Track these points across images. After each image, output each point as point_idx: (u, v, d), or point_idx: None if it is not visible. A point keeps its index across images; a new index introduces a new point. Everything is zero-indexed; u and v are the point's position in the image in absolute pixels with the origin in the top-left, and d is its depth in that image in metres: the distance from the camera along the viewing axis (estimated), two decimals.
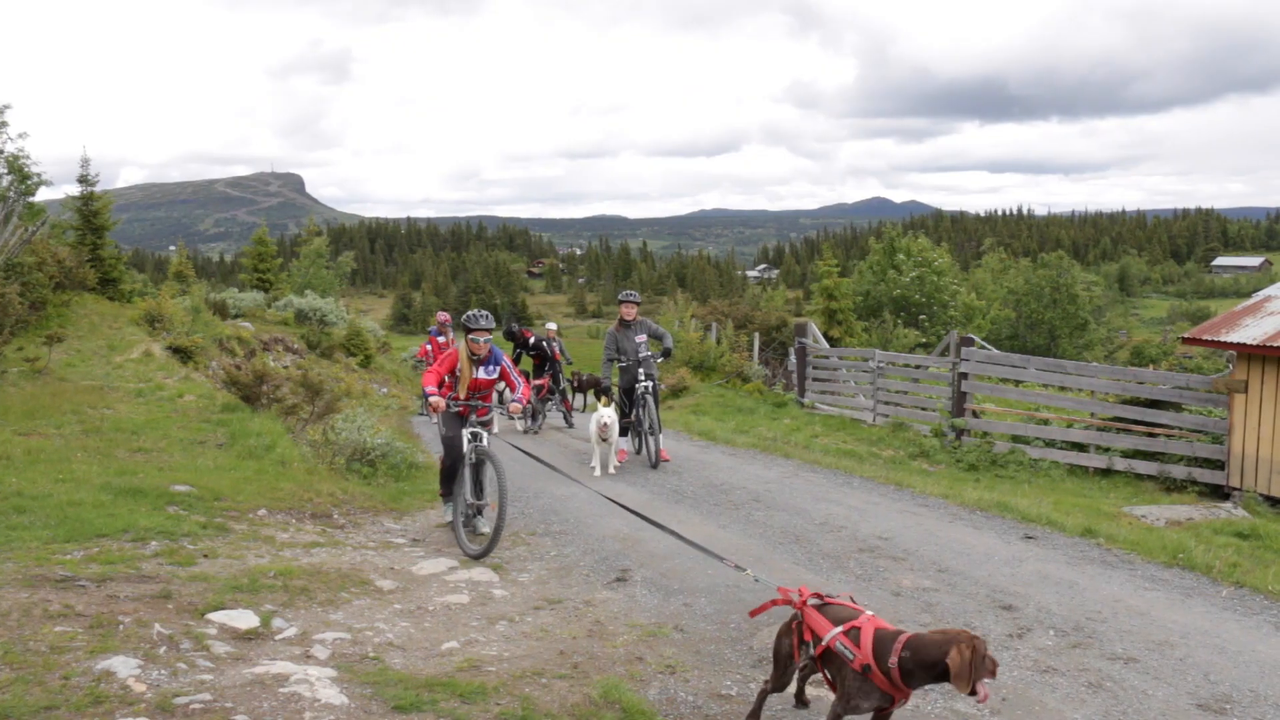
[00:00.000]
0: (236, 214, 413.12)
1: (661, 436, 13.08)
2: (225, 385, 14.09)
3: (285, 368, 20.85)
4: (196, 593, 5.93)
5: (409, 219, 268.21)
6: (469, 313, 9.11)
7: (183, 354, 16.20)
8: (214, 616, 5.57)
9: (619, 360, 13.20)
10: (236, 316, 26.60)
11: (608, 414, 12.10)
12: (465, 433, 8.82)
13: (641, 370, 13.00)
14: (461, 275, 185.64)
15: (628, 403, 13.20)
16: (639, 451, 13.22)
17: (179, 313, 19.44)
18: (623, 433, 13.09)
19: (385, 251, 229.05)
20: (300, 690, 4.57)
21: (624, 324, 13.19)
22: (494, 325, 9.36)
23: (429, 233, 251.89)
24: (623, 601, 6.78)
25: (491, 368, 9.04)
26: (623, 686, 5.07)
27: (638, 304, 13.53)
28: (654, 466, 12.63)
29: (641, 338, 13.15)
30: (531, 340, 18.32)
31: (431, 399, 8.68)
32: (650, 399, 12.96)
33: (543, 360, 18.29)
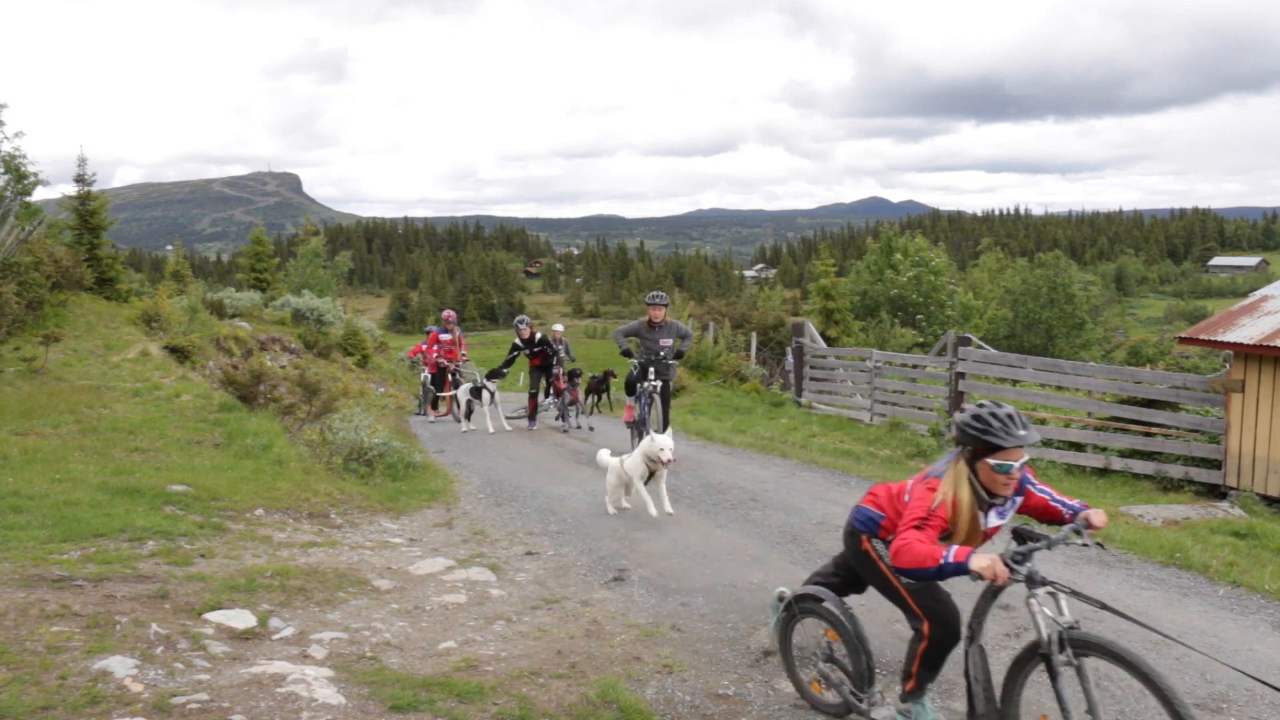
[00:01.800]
0: (233, 214, 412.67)
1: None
2: (222, 385, 14.08)
3: (282, 367, 20.84)
4: (193, 592, 5.92)
5: (406, 219, 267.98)
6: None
7: (180, 354, 16.17)
8: (211, 616, 5.56)
9: (631, 352, 12.95)
10: (233, 316, 26.56)
11: (667, 443, 9.11)
12: None
13: (653, 370, 12.74)
14: (459, 275, 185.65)
15: (630, 397, 13.13)
16: None
17: (176, 312, 19.43)
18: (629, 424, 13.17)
19: (382, 251, 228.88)
20: (297, 690, 4.56)
21: (652, 326, 12.84)
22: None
23: (426, 232, 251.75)
24: (620, 601, 6.78)
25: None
26: (620, 686, 5.06)
27: (666, 305, 13.14)
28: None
29: (667, 341, 12.84)
30: (538, 338, 18.15)
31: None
32: (659, 399, 12.78)
33: (545, 360, 18.21)
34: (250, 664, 4.91)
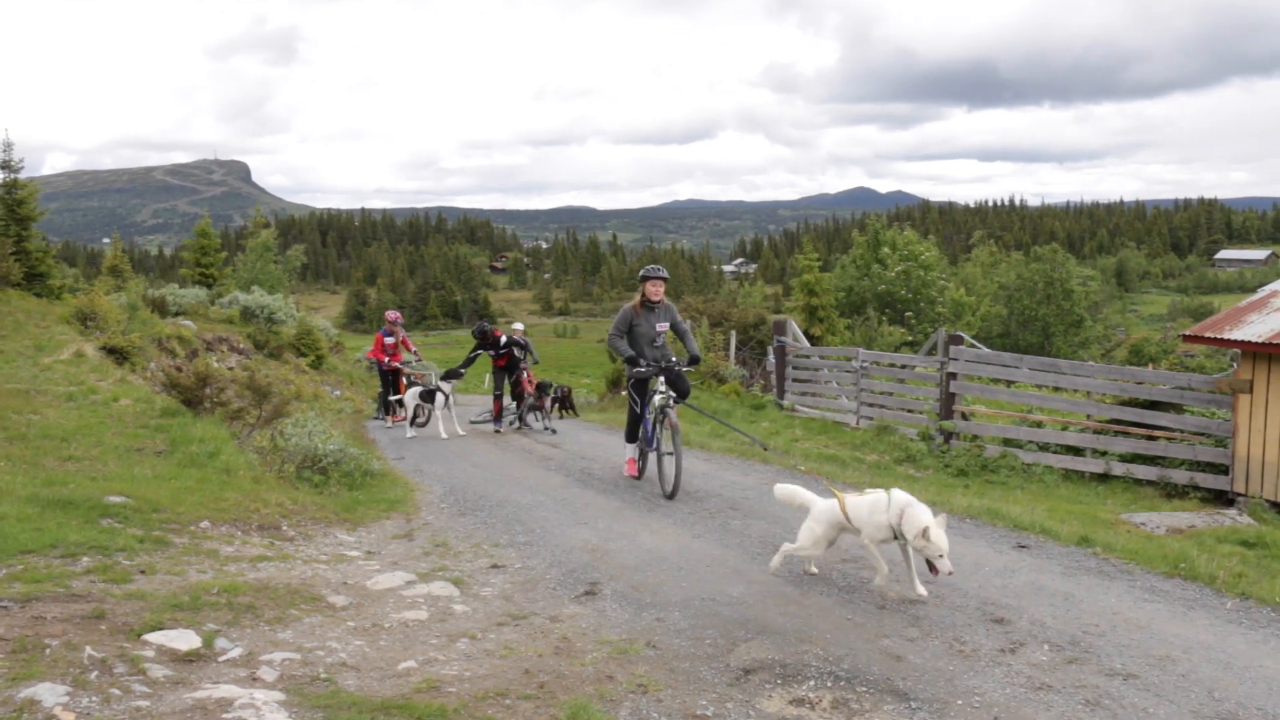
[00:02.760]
0: (177, 204, 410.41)
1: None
2: (165, 388, 13.97)
3: (230, 369, 20.74)
4: (132, 612, 5.86)
5: (363, 210, 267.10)
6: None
7: (118, 355, 16.04)
8: (151, 637, 5.50)
9: (639, 357, 11.38)
10: (177, 314, 26.39)
11: (940, 540, 6.90)
12: None
13: (664, 379, 11.26)
14: (420, 270, 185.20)
15: (639, 401, 11.58)
16: (642, 474, 12.00)
17: (114, 310, 19.27)
18: (629, 438, 11.99)
19: (338, 245, 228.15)
20: (245, 715, 4.52)
21: (647, 305, 11.48)
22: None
23: (384, 225, 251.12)
24: (592, 616, 6.75)
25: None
26: (592, 708, 5.04)
27: (665, 281, 11.72)
28: (670, 497, 10.73)
29: (663, 326, 11.48)
30: (503, 340, 18.26)
31: None
32: (673, 413, 11.05)
33: (512, 361, 18.22)
34: (194, 688, 4.86)
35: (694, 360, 11.76)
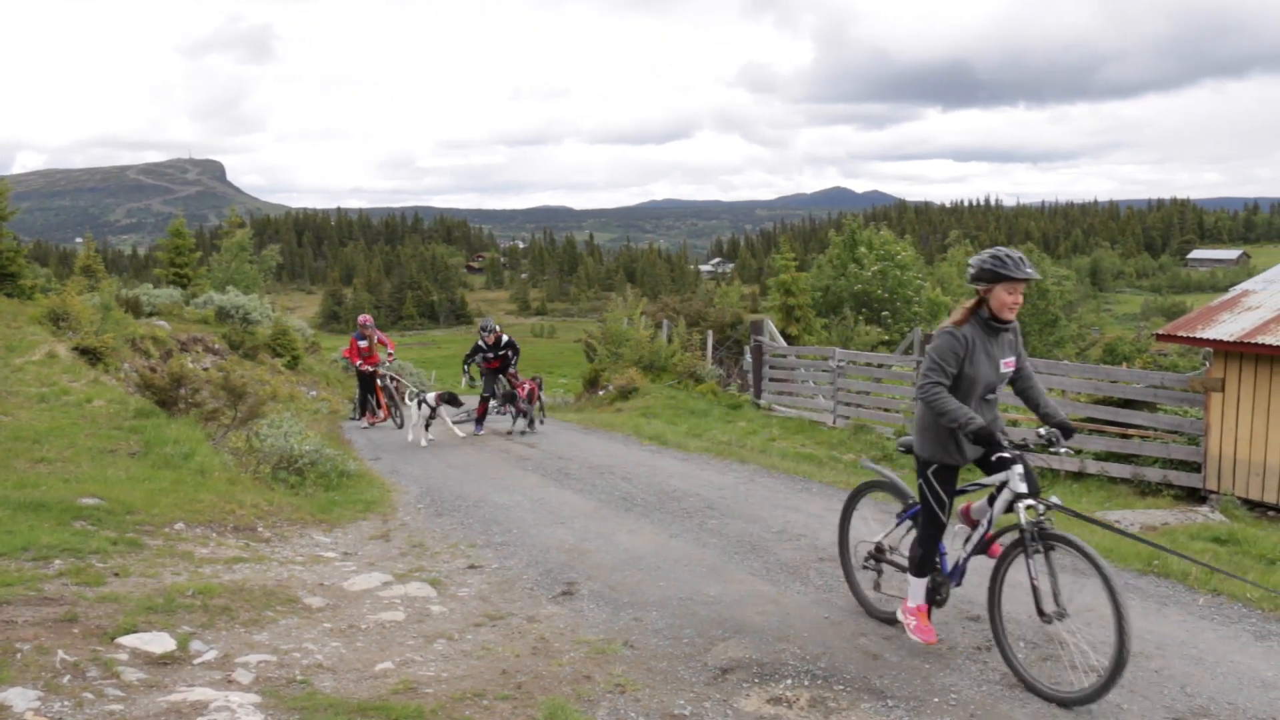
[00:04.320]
0: (150, 203, 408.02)
1: (609, 440, 12.44)
2: (139, 389, 13.87)
3: (205, 370, 20.62)
4: (106, 615, 5.82)
5: (339, 210, 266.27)
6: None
7: (91, 355, 15.92)
8: (125, 640, 5.46)
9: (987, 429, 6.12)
10: (151, 315, 26.21)
11: None
12: None
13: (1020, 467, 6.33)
14: (396, 270, 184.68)
15: (944, 501, 6.45)
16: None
17: (87, 310, 19.12)
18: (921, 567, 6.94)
19: (314, 244, 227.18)
20: (220, 718, 4.50)
21: (991, 325, 6.34)
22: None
23: (361, 224, 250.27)
24: (569, 616, 6.75)
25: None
26: (569, 708, 5.04)
27: (1028, 282, 6.32)
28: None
29: (1009, 363, 6.51)
30: (504, 341, 18.15)
31: None
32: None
33: (504, 364, 18.16)
34: (169, 691, 4.83)
35: (1065, 430, 6.50)
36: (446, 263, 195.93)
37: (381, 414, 19.70)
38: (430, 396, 16.69)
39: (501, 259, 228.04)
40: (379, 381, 20.03)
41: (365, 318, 20.70)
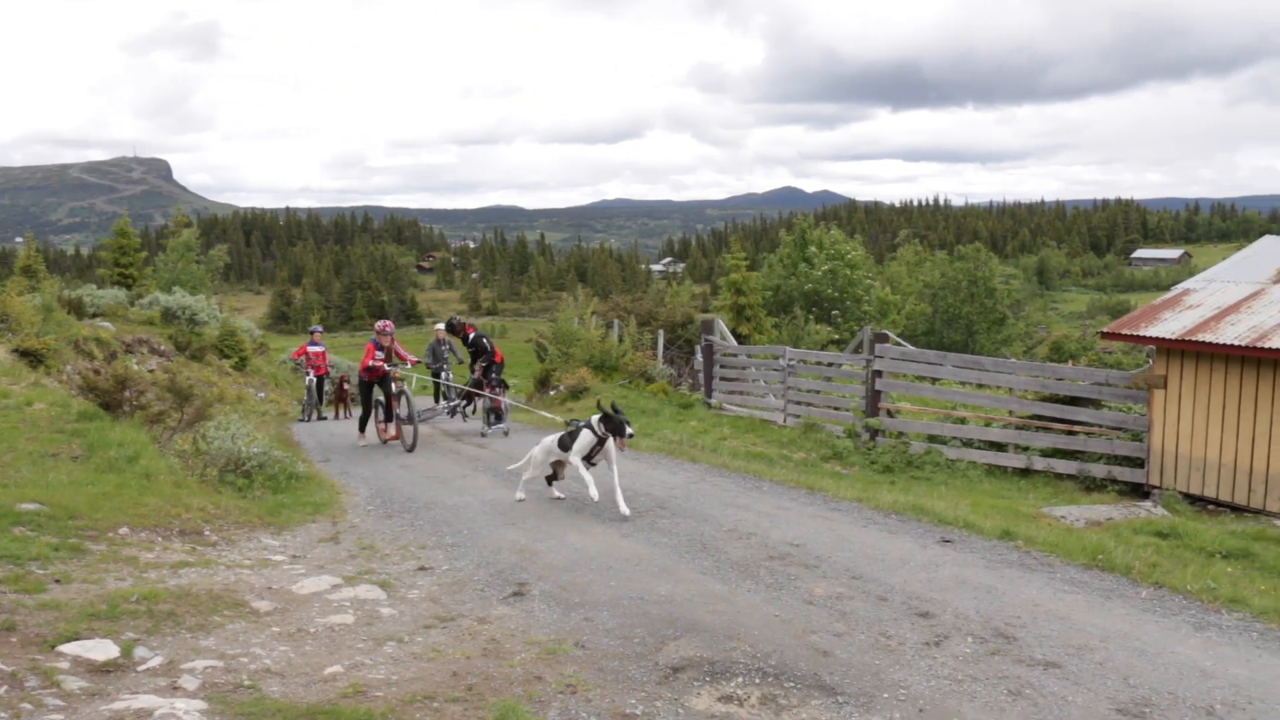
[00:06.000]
0: (94, 203, 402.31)
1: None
2: (82, 391, 13.67)
3: (151, 371, 20.37)
4: (46, 622, 5.72)
5: (288, 209, 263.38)
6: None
7: (32, 357, 15.66)
8: (66, 648, 5.37)
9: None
10: (95, 316, 25.83)
11: None
12: None
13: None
14: (346, 270, 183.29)
15: None
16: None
17: (27, 312, 18.78)
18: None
19: (262, 244, 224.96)
20: None
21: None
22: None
23: (310, 224, 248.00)
24: (520, 617, 6.73)
25: None
26: (520, 709, 5.02)
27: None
28: None
29: None
30: (471, 336, 18.29)
31: None
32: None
33: (477, 355, 18.21)
34: (112, 699, 4.75)
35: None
36: (397, 263, 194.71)
37: (393, 430, 16.77)
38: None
39: (452, 259, 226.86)
40: (392, 388, 16.87)
41: (386, 324, 17.83)
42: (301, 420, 22.04)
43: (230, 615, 6.43)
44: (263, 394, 25.79)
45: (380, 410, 16.82)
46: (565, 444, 10.52)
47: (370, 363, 16.38)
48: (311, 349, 23.84)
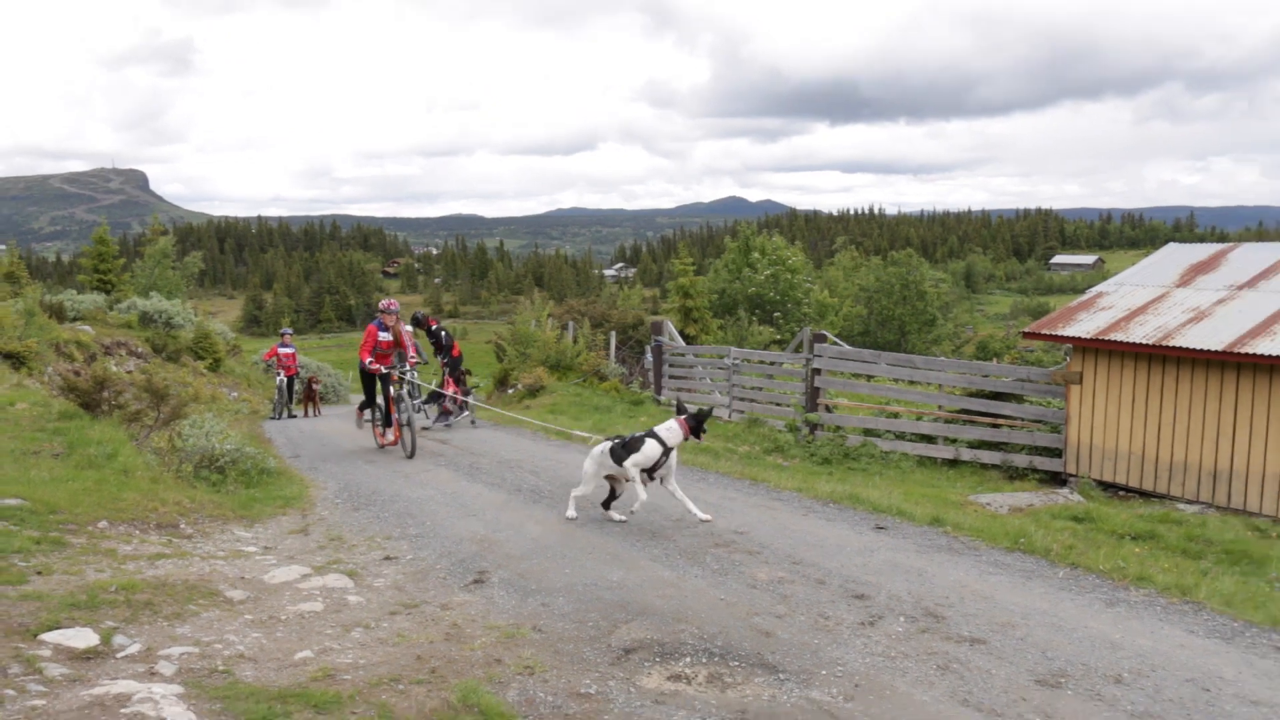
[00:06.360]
0: (74, 212, 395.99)
1: (517, 435, 12.40)
2: (62, 392, 13.47)
3: (129, 372, 20.07)
4: (28, 612, 5.63)
5: (260, 218, 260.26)
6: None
7: (15, 360, 15.42)
8: (48, 637, 5.29)
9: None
10: (75, 320, 25.41)
11: None
12: None
13: None
14: (315, 276, 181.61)
15: None
16: None
17: (10, 316, 18.48)
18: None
19: (235, 251, 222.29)
20: (144, 710, 4.38)
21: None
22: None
23: (280, 232, 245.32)
24: (480, 604, 6.71)
25: None
26: (481, 689, 5.02)
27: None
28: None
29: None
30: (433, 329, 18.13)
31: None
32: None
33: (438, 350, 18.08)
34: (92, 685, 4.69)
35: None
36: (363, 268, 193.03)
37: (392, 435, 14.59)
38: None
39: (416, 265, 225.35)
40: (392, 390, 14.48)
41: (390, 301, 15.19)
42: (272, 418, 21.88)
43: (205, 604, 6.36)
44: (236, 393, 25.51)
45: (377, 412, 14.87)
46: (619, 455, 9.09)
47: (367, 361, 14.22)
48: (282, 350, 23.73)
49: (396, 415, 14.22)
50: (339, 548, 8.42)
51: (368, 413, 15.47)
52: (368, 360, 14.28)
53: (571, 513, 9.45)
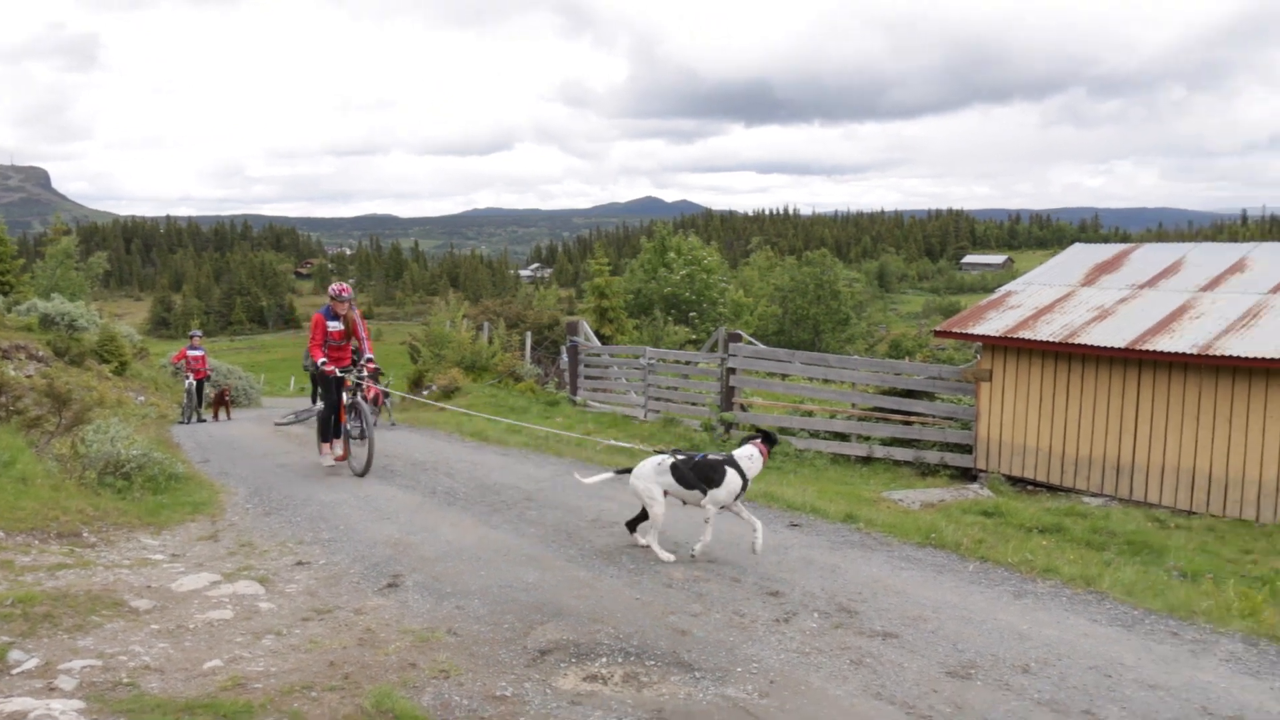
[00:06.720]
0: None
1: (431, 437, 12.05)
2: None
3: (29, 376, 19.46)
4: None
5: (168, 217, 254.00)
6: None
7: None
8: None
9: None
10: None
11: None
12: None
13: None
14: (225, 276, 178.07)
15: None
16: None
17: None
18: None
19: (142, 252, 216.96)
20: None
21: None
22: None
23: (190, 232, 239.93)
24: (394, 608, 6.63)
25: None
26: (395, 695, 4.95)
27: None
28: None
29: None
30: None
31: None
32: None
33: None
34: None
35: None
36: (275, 269, 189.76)
37: (340, 449, 12.58)
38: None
39: (330, 265, 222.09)
40: (346, 396, 12.37)
41: (342, 286, 12.86)
42: (181, 423, 21.39)
43: (109, 615, 6.19)
44: (143, 398, 24.89)
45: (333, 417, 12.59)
46: (685, 477, 7.76)
47: (320, 360, 12.10)
48: (191, 353, 23.24)
49: (347, 426, 12.33)
50: (250, 554, 8.25)
51: (333, 439, 12.73)
52: (320, 360, 12.11)
53: (666, 555, 7.81)
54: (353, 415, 12.25)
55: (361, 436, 12.06)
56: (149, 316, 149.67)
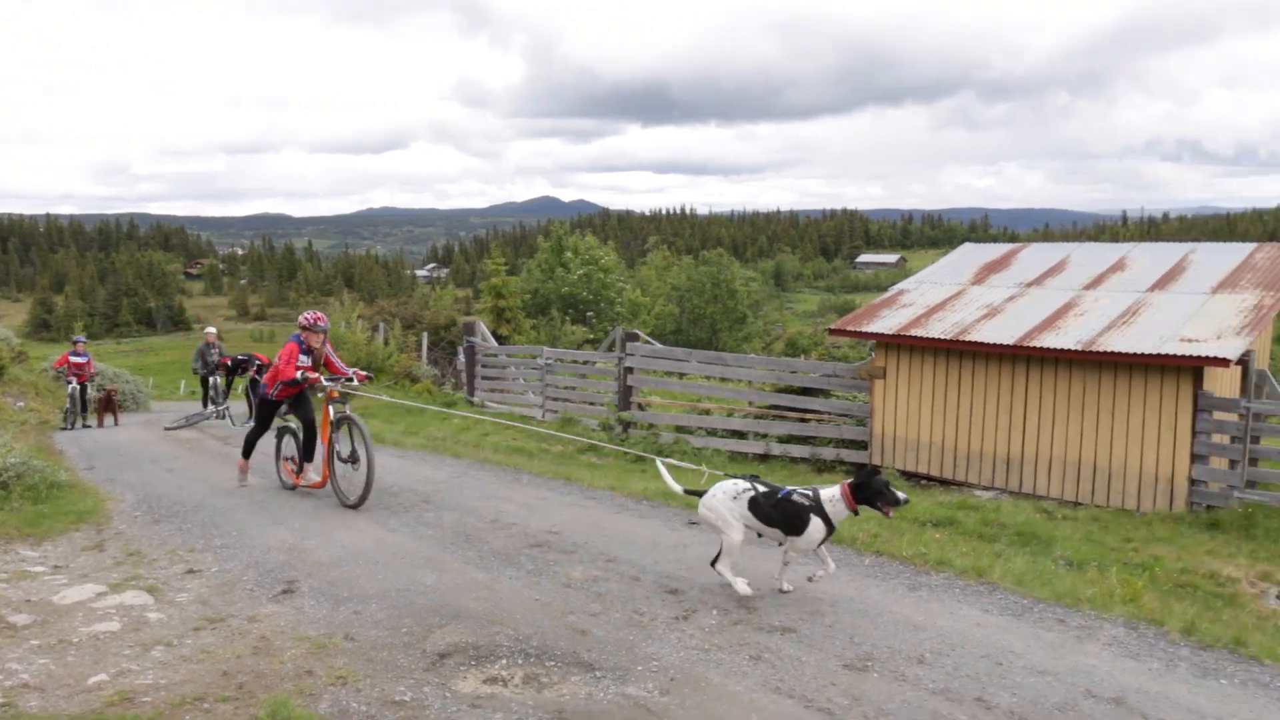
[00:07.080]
0: None
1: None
2: None
3: None
4: None
5: (49, 216, 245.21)
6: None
7: None
8: None
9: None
10: None
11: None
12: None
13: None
14: (111, 277, 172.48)
15: None
16: None
17: None
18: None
19: (20, 252, 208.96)
20: None
21: None
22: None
23: (72, 231, 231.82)
24: (290, 614, 6.49)
25: None
26: (291, 703, 4.85)
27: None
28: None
29: None
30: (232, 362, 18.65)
31: None
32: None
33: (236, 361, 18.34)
34: None
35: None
36: (164, 270, 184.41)
37: (313, 473, 10.95)
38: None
39: (220, 266, 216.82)
40: (333, 410, 10.57)
41: (317, 315, 10.95)
42: (64, 429, 20.66)
43: None
44: (22, 403, 23.98)
45: (292, 442, 11.23)
46: (764, 511, 6.98)
47: (297, 376, 10.56)
48: (74, 359, 22.42)
49: (336, 447, 10.39)
50: (138, 563, 8.01)
51: (290, 455, 11.35)
52: (297, 375, 10.55)
53: (743, 588, 6.98)
54: (341, 433, 10.39)
55: (354, 460, 10.12)
56: (28, 319, 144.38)
